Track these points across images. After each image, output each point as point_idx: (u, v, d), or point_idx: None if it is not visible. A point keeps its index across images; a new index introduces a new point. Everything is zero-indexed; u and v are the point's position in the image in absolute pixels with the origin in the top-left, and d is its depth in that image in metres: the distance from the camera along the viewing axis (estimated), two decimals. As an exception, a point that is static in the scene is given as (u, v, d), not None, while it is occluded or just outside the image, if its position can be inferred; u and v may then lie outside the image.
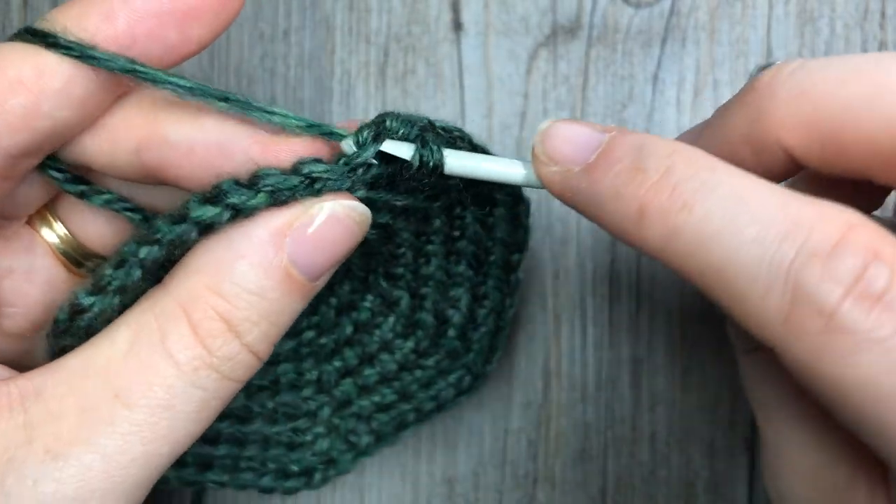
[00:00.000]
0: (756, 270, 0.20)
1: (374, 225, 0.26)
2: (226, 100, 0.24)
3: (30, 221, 0.28)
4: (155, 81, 0.23)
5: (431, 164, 0.25)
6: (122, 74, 0.23)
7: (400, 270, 0.31)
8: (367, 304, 0.32)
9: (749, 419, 0.35)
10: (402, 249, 0.30)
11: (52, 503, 0.21)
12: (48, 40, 0.23)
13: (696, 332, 0.35)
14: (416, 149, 0.25)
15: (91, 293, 0.24)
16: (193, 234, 0.23)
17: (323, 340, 0.33)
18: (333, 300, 0.32)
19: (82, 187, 0.27)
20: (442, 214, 0.29)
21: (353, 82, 0.36)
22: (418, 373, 0.33)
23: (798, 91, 0.22)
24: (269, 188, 0.23)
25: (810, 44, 0.35)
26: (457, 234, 0.30)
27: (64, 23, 0.23)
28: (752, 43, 0.35)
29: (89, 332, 0.25)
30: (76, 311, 0.24)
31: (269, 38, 0.36)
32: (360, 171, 0.24)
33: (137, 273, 0.24)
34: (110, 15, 0.23)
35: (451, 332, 0.32)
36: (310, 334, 0.33)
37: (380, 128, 0.25)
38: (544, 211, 0.36)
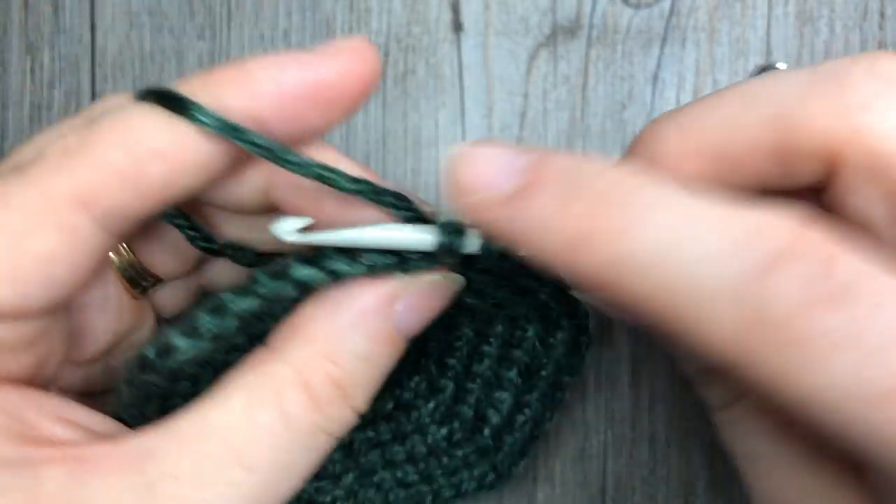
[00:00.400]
0: (707, 288, 0.18)
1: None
2: (355, 182, 0.24)
3: None
4: (291, 164, 0.23)
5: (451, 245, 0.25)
6: (261, 157, 0.23)
7: (452, 361, 0.32)
8: (412, 384, 0.33)
9: (749, 419, 0.35)
10: (460, 343, 0.32)
11: None
12: (189, 111, 0.23)
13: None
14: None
15: (185, 335, 0.24)
16: (290, 292, 0.24)
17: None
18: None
19: (186, 225, 0.28)
20: (506, 322, 0.30)
21: (353, 82, 0.36)
22: (445, 460, 0.33)
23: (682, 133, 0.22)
24: (369, 263, 0.24)
25: (810, 44, 0.35)
26: (515, 342, 0.31)
27: (200, 92, 0.23)
28: (752, 43, 0.35)
29: (176, 373, 0.25)
30: (167, 350, 0.24)
31: (270, 38, 0.36)
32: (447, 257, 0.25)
33: (234, 323, 0.25)
34: (254, 92, 0.23)
35: (487, 431, 0.32)
36: None
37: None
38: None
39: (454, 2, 0.36)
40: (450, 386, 0.32)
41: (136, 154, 0.22)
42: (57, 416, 0.23)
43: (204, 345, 0.24)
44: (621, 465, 0.36)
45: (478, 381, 0.32)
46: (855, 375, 0.18)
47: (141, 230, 0.27)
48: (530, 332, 0.31)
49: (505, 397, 0.32)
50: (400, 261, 0.25)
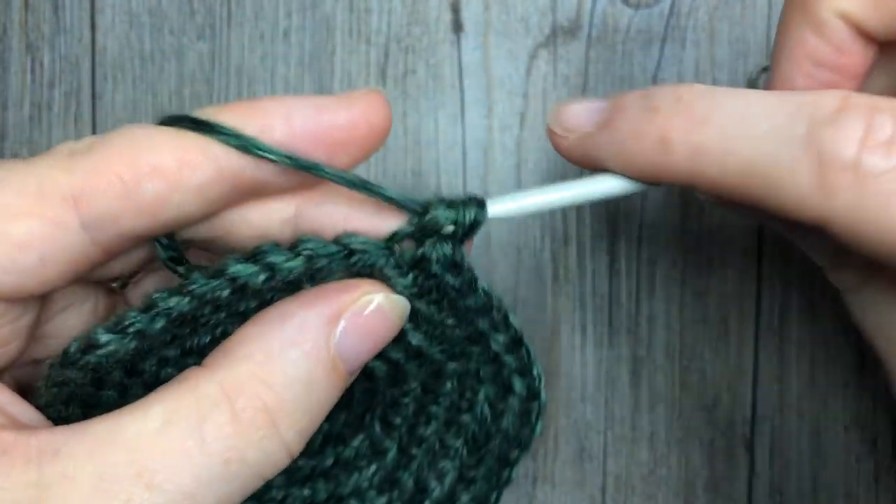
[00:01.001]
0: (779, 154, 0.22)
1: (385, 359, 0.26)
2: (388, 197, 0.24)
3: None
4: (317, 171, 0.24)
5: (469, 220, 0.25)
6: (285, 166, 0.23)
7: (398, 420, 0.30)
8: (355, 442, 0.31)
9: (749, 419, 0.35)
10: (407, 399, 0.30)
11: None
12: (208, 127, 0.23)
13: (695, 333, 0.35)
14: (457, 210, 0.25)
15: (109, 331, 0.24)
16: (226, 292, 0.23)
17: (300, 462, 0.31)
18: (325, 425, 0.31)
19: (177, 263, 0.27)
20: (455, 379, 0.29)
21: (353, 83, 0.36)
22: None
23: None
24: (308, 252, 0.23)
25: (810, 44, 0.35)
26: (464, 405, 0.29)
27: (215, 119, 0.23)
28: (751, 43, 0.35)
29: (97, 370, 0.24)
30: (90, 345, 0.24)
31: (270, 38, 0.37)
32: (397, 251, 0.25)
33: (161, 322, 0.24)
34: (267, 127, 0.23)
35: None
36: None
37: (427, 212, 0.25)
38: (545, 211, 0.36)
39: (454, 2, 0.36)
40: (392, 449, 0.30)
41: (136, 165, 0.22)
42: None
43: (127, 342, 0.24)
44: (621, 465, 0.36)
45: (422, 445, 0.30)
46: None
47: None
48: (481, 395, 0.29)
49: (449, 468, 0.30)
50: (342, 251, 0.24)
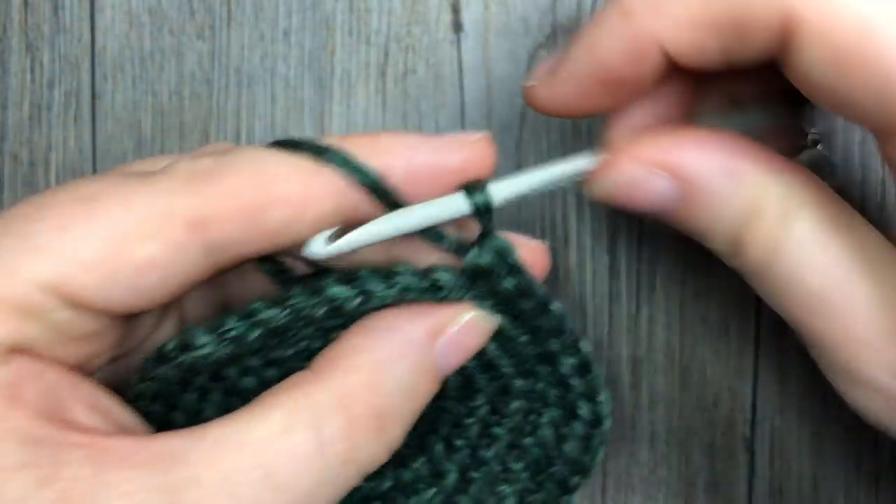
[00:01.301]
0: None
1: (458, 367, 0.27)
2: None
3: None
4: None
5: (481, 204, 0.26)
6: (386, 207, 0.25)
7: (460, 443, 0.30)
8: (416, 464, 0.31)
9: (749, 419, 0.35)
10: (472, 420, 0.30)
11: None
12: (334, 157, 0.24)
13: (695, 332, 0.35)
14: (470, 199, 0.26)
15: (207, 333, 0.24)
16: (321, 311, 0.24)
17: (361, 483, 0.31)
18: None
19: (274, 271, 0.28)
20: (522, 399, 0.29)
21: (353, 83, 0.36)
22: None
23: None
24: (402, 286, 0.25)
25: (810, 44, 0.35)
26: (528, 428, 0.30)
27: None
28: (751, 43, 0.35)
29: (189, 370, 0.25)
30: (187, 345, 0.24)
31: (270, 38, 0.37)
32: (480, 282, 0.26)
33: (258, 332, 0.24)
34: (389, 166, 0.25)
35: None
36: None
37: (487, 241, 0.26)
38: (546, 211, 0.36)
39: (454, 2, 0.36)
40: (453, 472, 0.30)
41: (263, 194, 0.23)
42: (92, 403, 0.23)
43: (223, 347, 0.24)
44: (621, 465, 0.36)
45: (483, 469, 0.30)
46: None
47: None
48: (545, 418, 0.29)
49: (508, 493, 0.30)
50: (432, 286, 0.25)
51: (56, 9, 0.37)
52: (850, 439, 0.35)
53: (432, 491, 0.30)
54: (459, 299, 0.26)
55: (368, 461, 0.24)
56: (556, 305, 0.27)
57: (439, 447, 0.30)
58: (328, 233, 0.24)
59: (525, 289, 0.27)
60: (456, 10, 0.36)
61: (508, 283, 0.26)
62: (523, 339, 0.28)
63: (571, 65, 0.25)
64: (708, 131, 0.26)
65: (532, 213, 0.36)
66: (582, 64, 0.25)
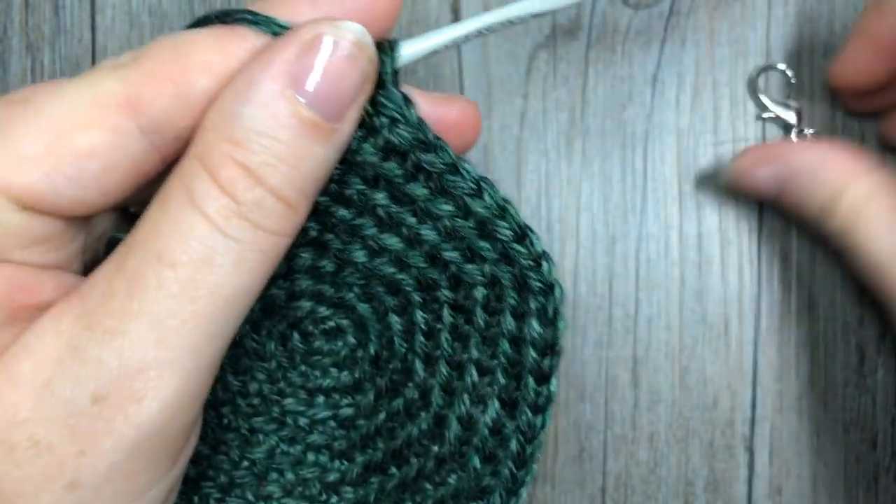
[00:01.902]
0: None
1: (406, 266, 0.27)
2: None
3: None
4: None
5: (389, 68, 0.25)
6: None
7: (437, 352, 0.29)
8: (406, 392, 0.30)
9: (749, 419, 0.35)
10: (440, 326, 0.29)
11: (116, 379, 0.21)
12: (242, 18, 0.24)
13: (695, 332, 0.35)
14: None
15: None
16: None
17: (360, 422, 0.31)
18: (378, 380, 0.30)
19: None
20: (479, 285, 0.28)
21: (353, 83, 0.36)
22: (440, 489, 0.30)
23: None
24: None
25: (809, 44, 0.35)
26: (492, 319, 0.28)
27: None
28: (751, 43, 0.35)
29: None
30: None
31: (270, 38, 0.36)
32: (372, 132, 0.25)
33: None
34: (298, 15, 0.24)
35: (476, 442, 0.29)
36: (348, 411, 0.31)
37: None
38: (545, 211, 0.36)
39: (454, 2, 0.36)
40: (436, 389, 0.29)
41: (182, 65, 0.23)
42: (58, 281, 0.24)
43: None
44: (621, 465, 0.36)
45: (463, 377, 0.29)
46: None
47: None
48: (505, 301, 0.27)
49: (491, 395, 0.28)
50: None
51: (56, 9, 0.37)
52: (849, 439, 0.35)
53: (422, 414, 0.30)
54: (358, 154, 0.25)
55: (262, 214, 0.22)
56: (466, 164, 0.26)
57: (419, 364, 0.29)
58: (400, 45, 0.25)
59: (424, 141, 0.25)
60: (456, 10, 0.36)
61: (404, 133, 0.25)
62: (447, 207, 0.26)
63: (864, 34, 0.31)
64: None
65: (532, 213, 0.36)
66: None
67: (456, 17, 0.36)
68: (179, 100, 0.23)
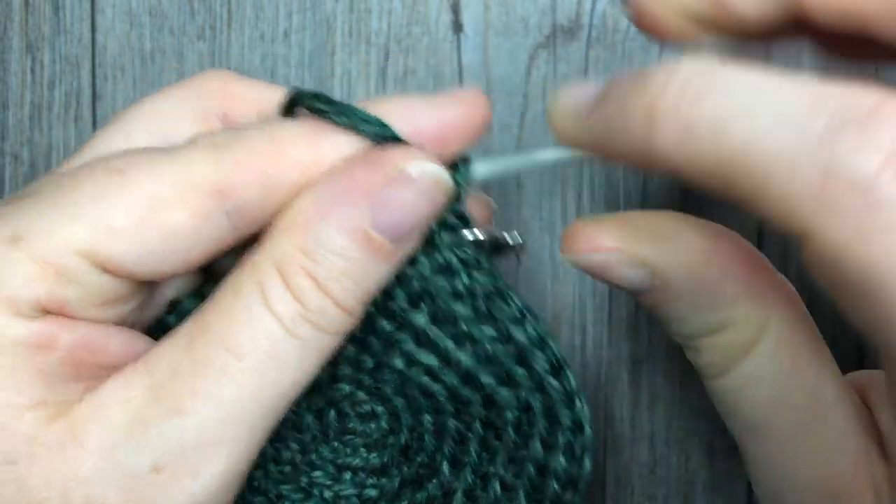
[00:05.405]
0: (781, 147, 0.19)
1: (440, 381, 0.28)
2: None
3: None
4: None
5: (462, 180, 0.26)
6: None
7: (465, 459, 0.30)
8: (430, 487, 0.31)
9: (748, 419, 0.35)
10: (471, 435, 0.29)
11: (181, 453, 0.23)
12: (345, 113, 0.25)
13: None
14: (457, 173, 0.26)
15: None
16: None
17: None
18: (404, 468, 0.31)
19: None
20: (511, 409, 0.28)
21: (353, 83, 0.36)
22: None
23: None
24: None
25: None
26: (520, 441, 0.29)
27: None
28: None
29: None
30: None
31: (270, 38, 0.37)
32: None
33: None
34: (393, 116, 0.26)
35: None
36: (372, 492, 0.31)
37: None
38: (545, 211, 0.36)
39: (454, 2, 0.36)
40: (459, 492, 0.30)
41: (275, 159, 0.25)
42: (126, 341, 0.25)
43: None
44: (621, 465, 0.36)
45: (487, 488, 0.29)
46: None
47: None
48: (535, 428, 0.28)
49: None
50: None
51: (56, 9, 0.37)
52: (849, 439, 0.35)
53: None
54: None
55: (325, 321, 0.24)
56: (514, 294, 0.27)
57: (446, 466, 0.30)
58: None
59: (479, 263, 0.26)
60: (456, 11, 0.36)
61: (462, 254, 0.26)
62: (490, 332, 0.27)
63: None
64: (685, 217, 0.26)
65: (532, 213, 0.36)
66: None
67: (456, 16, 0.36)
68: (266, 192, 0.25)
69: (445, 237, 0.26)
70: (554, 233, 0.36)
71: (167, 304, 0.28)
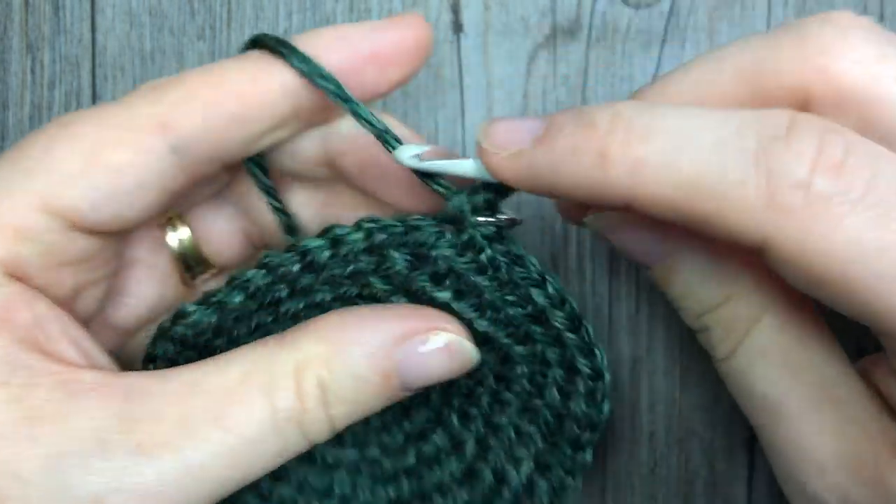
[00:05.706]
0: (726, 167, 0.21)
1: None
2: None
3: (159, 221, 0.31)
4: (357, 116, 0.27)
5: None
6: (333, 100, 0.26)
7: (474, 411, 0.31)
8: (436, 438, 0.32)
9: (748, 419, 0.35)
10: (482, 389, 0.31)
11: (131, 492, 0.22)
12: (283, 50, 0.26)
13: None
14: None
15: (196, 304, 0.26)
16: (296, 267, 0.26)
17: (385, 462, 0.33)
18: (406, 425, 0.32)
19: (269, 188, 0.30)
20: (524, 363, 0.29)
21: (353, 83, 0.36)
22: None
23: None
24: (368, 227, 0.26)
25: (809, 44, 0.35)
26: (535, 390, 0.30)
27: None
28: (751, 44, 0.35)
29: (184, 341, 0.27)
30: (178, 316, 0.26)
31: (270, 38, 0.37)
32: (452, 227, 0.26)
33: (239, 296, 0.26)
34: (326, 48, 0.26)
35: (507, 495, 0.31)
36: (375, 451, 0.33)
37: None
38: (545, 210, 0.36)
39: (454, 3, 0.36)
40: (470, 440, 0.31)
41: (214, 90, 0.25)
42: (73, 339, 0.25)
43: (210, 313, 0.26)
44: (621, 465, 0.36)
45: (499, 435, 0.31)
46: (866, 231, 0.20)
47: (209, 218, 0.31)
48: (549, 378, 0.29)
49: (524, 455, 0.30)
50: (399, 227, 0.26)
51: (56, 9, 0.37)
52: (849, 439, 0.35)
53: (454, 461, 0.31)
54: (435, 247, 0.26)
55: (311, 428, 0.25)
56: (533, 258, 0.27)
57: (454, 418, 0.31)
58: (417, 150, 0.26)
59: (498, 236, 0.27)
60: (456, 11, 0.36)
61: (483, 230, 0.27)
62: (510, 298, 0.28)
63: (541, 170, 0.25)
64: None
65: (532, 213, 0.36)
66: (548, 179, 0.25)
67: (456, 16, 0.36)
68: (208, 122, 0.25)
69: (482, 241, 0.27)
70: (555, 235, 0.36)
71: (136, 318, 0.29)
